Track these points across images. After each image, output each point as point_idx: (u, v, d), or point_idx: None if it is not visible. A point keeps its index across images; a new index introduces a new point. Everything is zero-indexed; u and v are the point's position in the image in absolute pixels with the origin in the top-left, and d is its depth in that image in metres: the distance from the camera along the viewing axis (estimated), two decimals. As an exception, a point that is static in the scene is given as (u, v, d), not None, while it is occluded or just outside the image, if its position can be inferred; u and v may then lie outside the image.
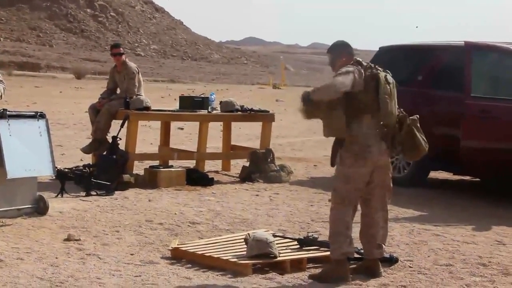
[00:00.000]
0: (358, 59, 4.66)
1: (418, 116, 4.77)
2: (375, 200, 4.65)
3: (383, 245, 4.69)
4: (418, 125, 4.74)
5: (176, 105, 8.97)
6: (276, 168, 8.43)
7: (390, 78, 4.64)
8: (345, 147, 4.53)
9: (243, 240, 5.01)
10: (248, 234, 4.99)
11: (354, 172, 4.52)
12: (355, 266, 4.76)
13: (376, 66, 4.67)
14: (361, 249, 4.82)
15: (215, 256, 4.79)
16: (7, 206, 5.86)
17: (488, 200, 7.82)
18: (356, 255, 4.83)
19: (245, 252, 4.84)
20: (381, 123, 4.53)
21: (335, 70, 4.63)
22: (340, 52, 4.70)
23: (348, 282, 4.47)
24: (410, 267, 4.93)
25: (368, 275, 4.60)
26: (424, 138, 4.74)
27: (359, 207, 4.72)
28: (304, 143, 12.91)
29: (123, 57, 8.56)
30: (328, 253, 4.89)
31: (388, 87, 4.57)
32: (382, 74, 4.58)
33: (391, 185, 4.73)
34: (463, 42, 7.79)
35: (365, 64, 4.62)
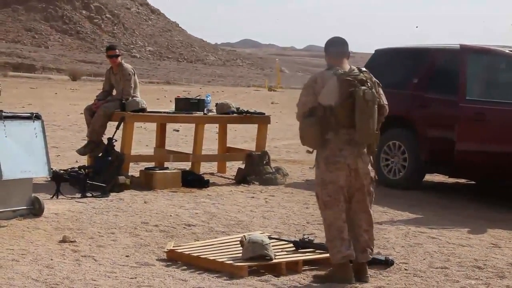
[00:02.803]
0: (337, 69, 4.45)
1: None
2: (354, 204, 4.61)
3: (369, 249, 4.64)
4: None
5: (172, 107, 8.96)
6: (271, 171, 8.43)
7: (369, 94, 4.40)
8: (318, 152, 4.54)
9: (238, 242, 5.01)
10: (244, 236, 4.98)
11: (329, 175, 4.50)
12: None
13: (359, 76, 4.45)
14: None
15: (211, 258, 4.78)
16: (2, 208, 5.84)
17: (483, 202, 7.83)
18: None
19: (240, 254, 4.84)
20: (357, 140, 4.45)
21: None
22: (325, 50, 4.57)
23: (352, 284, 4.46)
24: (405, 269, 4.93)
25: (355, 279, 4.58)
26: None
27: None
28: (299, 146, 12.91)
29: (119, 58, 8.55)
30: (324, 255, 4.90)
31: (367, 105, 4.39)
32: (359, 92, 4.38)
33: (372, 188, 4.66)
34: (459, 45, 7.81)
35: (342, 76, 4.41)
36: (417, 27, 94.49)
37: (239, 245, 4.95)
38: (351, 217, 4.63)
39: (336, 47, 4.56)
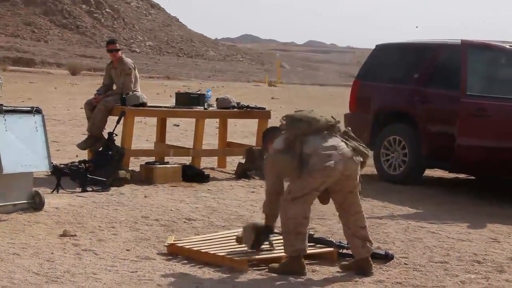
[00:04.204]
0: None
1: (349, 128, 4.73)
2: (347, 206, 4.65)
3: (369, 242, 4.67)
4: (351, 134, 4.69)
5: (172, 102, 8.96)
6: (272, 165, 8.43)
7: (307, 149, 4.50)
8: (299, 167, 4.49)
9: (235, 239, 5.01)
10: (239, 232, 4.99)
11: (312, 181, 4.49)
12: (347, 263, 4.77)
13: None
14: (347, 243, 4.86)
15: (211, 252, 4.80)
16: (2, 202, 5.85)
17: (483, 197, 7.84)
18: (349, 252, 4.86)
19: (240, 248, 4.85)
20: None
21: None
22: (266, 139, 4.83)
23: (303, 276, 4.50)
24: (405, 264, 4.94)
25: (360, 274, 4.61)
26: (361, 143, 4.68)
27: (333, 208, 4.75)
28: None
29: (119, 53, 8.54)
30: (324, 249, 4.93)
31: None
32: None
33: (359, 188, 4.68)
34: (460, 41, 7.81)
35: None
36: (417, 27, 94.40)
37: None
38: (346, 218, 4.68)
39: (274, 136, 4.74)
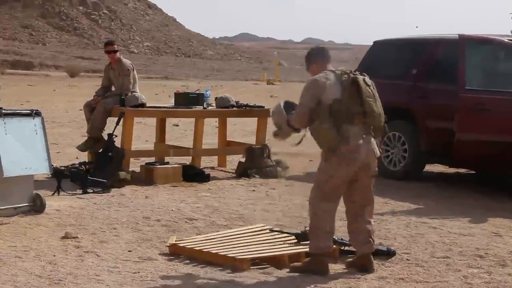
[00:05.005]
0: (330, 69, 4.64)
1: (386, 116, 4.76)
2: (359, 198, 4.66)
3: (372, 239, 4.68)
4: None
5: (171, 102, 8.96)
6: (272, 164, 8.44)
7: (368, 80, 4.63)
8: (331, 147, 4.53)
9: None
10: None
11: (338, 170, 4.53)
12: (351, 260, 4.78)
13: (352, 71, 4.67)
14: (349, 240, 4.86)
15: (213, 251, 4.80)
16: (3, 205, 5.85)
17: (483, 192, 7.84)
18: (347, 249, 4.87)
19: (243, 247, 4.86)
20: (371, 126, 4.55)
21: (310, 74, 4.73)
22: (310, 59, 4.77)
23: (327, 276, 4.49)
24: (407, 259, 4.95)
25: (361, 270, 4.61)
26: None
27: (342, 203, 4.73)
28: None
29: (117, 54, 8.54)
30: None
31: (369, 89, 4.57)
32: (360, 78, 4.58)
33: (373, 182, 4.71)
34: (457, 35, 7.81)
35: (338, 72, 4.60)
36: (417, 27, 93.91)
37: (246, 237, 4.98)
38: (356, 209, 4.67)
39: (322, 54, 4.75)
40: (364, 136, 4.55)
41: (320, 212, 4.55)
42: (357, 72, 4.68)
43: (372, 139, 4.61)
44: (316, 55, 4.78)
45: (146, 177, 7.71)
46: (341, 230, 5.24)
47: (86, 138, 8.58)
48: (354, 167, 4.55)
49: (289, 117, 4.68)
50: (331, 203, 4.57)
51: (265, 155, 8.45)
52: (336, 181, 4.55)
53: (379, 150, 4.67)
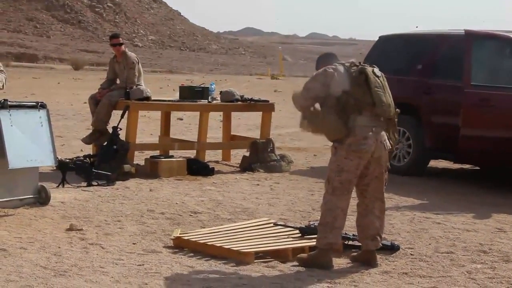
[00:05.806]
0: (340, 62, 4.67)
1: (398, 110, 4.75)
2: (371, 191, 4.65)
3: (380, 236, 4.69)
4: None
5: (175, 96, 8.96)
6: (276, 158, 8.45)
7: (377, 71, 4.63)
8: (339, 139, 4.54)
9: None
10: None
11: (347, 163, 4.53)
12: (355, 254, 4.79)
13: (360, 62, 4.69)
14: (354, 234, 4.86)
15: (217, 245, 4.81)
16: (9, 196, 5.87)
17: (488, 188, 7.84)
18: (355, 243, 4.87)
19: (247, 241, 4.87)
20: (380, 116, 4.55)
21: None
22: (319, 63, 4.79)
23: (331, 270, 4.50)
24: (411, 254, 4.95)
25: (365, 265, 4.62)
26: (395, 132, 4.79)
27: (355, 195, 4.74)
28: (303, 133, 12.90)
29: (123, 47, 8.54)
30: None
31: (378, 80, 4.57)
32: (369, 69, 4.59)
33: (386, 176, 4.70)
34: (463, 31, 7.79)
35: (347, 64, 4.62)
36: (417, 27, 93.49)
37: (243, 232, 4.98)
38: (366, 204, 4.67)
39: (330, 58, 4.77)
40: (374, 128, 4.53)
41: (332, 207, 4.55)
42: (366, 64, 4.68)
43: (383, 132, 4.60)
44: (326, 58, 4.80)
45: (151, 170, 7.72)
46: (346, 224, 5.24)
47: (91, 131, 8.60)
48: (364, 160, 4.54)
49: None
50: (342, 198, 4.56)
51: (269, 149, 8.46)
52: (347, 175, 4.54)
53: (390, 143, 4.66)
